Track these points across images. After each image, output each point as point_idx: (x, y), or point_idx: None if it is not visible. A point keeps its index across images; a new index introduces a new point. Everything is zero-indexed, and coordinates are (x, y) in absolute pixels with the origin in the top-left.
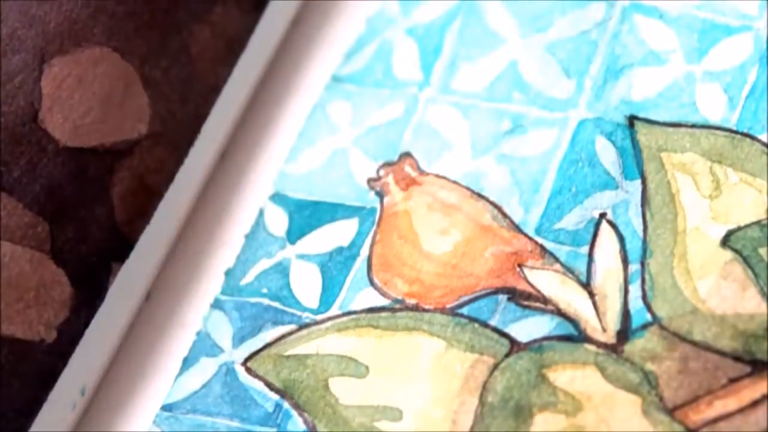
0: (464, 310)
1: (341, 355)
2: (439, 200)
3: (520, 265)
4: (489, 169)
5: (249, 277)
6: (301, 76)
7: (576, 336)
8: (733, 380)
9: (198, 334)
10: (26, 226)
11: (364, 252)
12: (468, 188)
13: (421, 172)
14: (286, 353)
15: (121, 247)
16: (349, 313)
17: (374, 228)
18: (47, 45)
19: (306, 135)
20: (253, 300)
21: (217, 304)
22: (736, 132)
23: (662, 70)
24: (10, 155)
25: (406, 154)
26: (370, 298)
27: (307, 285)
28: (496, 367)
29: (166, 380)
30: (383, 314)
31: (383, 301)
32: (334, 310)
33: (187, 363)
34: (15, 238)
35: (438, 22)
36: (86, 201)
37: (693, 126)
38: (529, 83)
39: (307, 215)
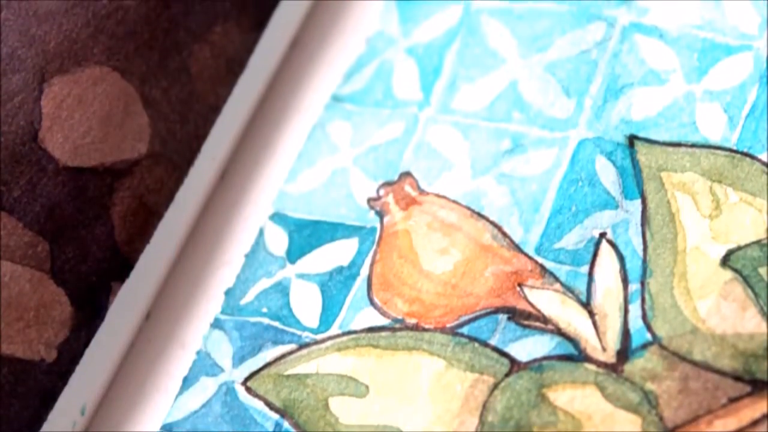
0: (464, 330)
1: (341, 375)
2: (439, 220)
3: (520, 285)
4: (489, 188)
5: (249, 297)
6: (301, 96)
7: (576, 355)
8: (733, 400)
9: (198, 353)
10: (26, 246)
11: (364, 271)
12: (468, 208)
13: (421, 192)
14: (286, 373)
15: (121, 266)
16: (349, 332)
17: (374, 247)
18: (47, 64)
19: (306, 155)
20: (253, 319)
21: (217, 324)
22: (736, 151)
23: (662, 89)
24: (10, 175)
25: (406, 174)
26: (370, 317)
27: (307, 304)
28: (496, 386)
29: (166, 400)
30: (383, 334)
31: (383, 321)
32: (334, 330)
33: (187, 382)
34: (15, 258)
35: (438, 42)
36: (86, 221)
37: (693, 145)
38: (529, 103)
39: (307, 235)
